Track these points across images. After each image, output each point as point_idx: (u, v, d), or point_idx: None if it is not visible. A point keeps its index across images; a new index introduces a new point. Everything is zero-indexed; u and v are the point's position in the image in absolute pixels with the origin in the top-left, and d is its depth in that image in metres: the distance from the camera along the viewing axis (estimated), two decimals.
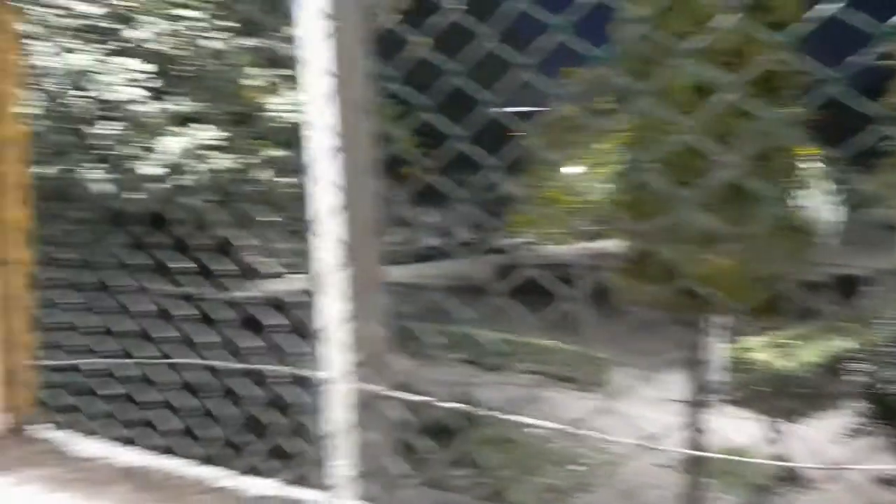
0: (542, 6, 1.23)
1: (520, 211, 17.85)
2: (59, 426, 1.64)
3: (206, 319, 1.53)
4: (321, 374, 1.64)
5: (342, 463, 1.61)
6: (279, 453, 1.42)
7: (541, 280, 1.32)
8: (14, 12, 1.45)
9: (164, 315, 1.54)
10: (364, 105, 1.95)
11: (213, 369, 1.47)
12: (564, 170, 18.17)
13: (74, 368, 1.63)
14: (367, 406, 1.59)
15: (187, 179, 2.45)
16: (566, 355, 16.70)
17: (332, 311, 1.71)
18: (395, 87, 1.46)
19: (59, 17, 2.23)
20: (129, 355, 1.52)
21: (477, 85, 1.31)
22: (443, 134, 1.36)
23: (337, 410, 1.67)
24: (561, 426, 1.30)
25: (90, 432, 1.61)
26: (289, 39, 2.62)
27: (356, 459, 1.59)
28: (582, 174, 17.68)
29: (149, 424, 1.55)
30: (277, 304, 1.58)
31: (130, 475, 1.48)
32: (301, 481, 1.45)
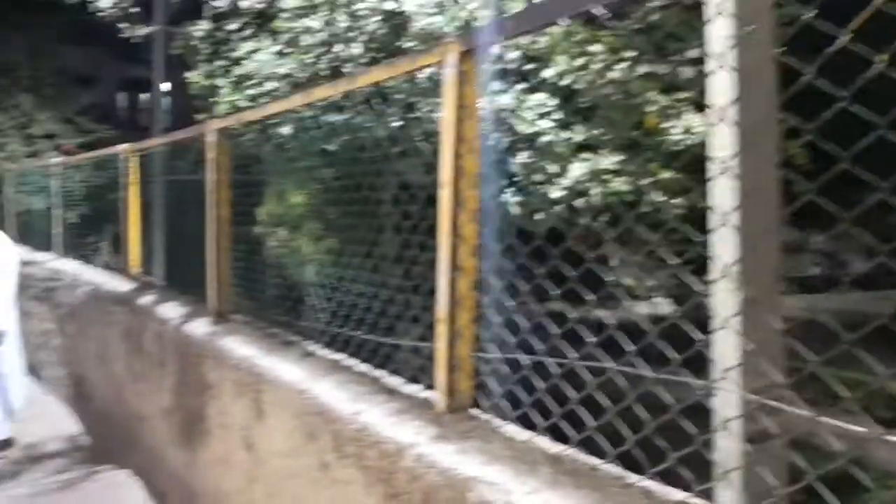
0: None
1: None
2: (494, 410, 1.94)
3: (621, 329, 1.66)
4: (718, 393, 1.65)
5: (733, 484, 1.59)
6: (692, 464, 1.47)
7: None
8: (475, 61, 1.79)
9: (584, 322, 1.72)
10: (767, 123, 1.90)
11: (626, 375, 1.59)
12: None
13: (509, 361, 1.91)
14: (761, 430, 1.55)
15: (585, 202, 2.66)
16: None
17: (730, 335, 1.71)
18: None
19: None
20: (556, 354, 1.74)
21: None
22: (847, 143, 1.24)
23: (730, 430, 1.66)
24: None
25: (519, 418, 1.86)
26: (692, 62, 2.68)
27: (746, 481, 1.56)
28: None
29: (568, 418, 1.74)
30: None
31: (554, 460, 1.68)
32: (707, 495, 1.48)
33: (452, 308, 1.94)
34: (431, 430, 1.96)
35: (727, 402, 1.59)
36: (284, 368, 2.75)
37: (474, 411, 1.99)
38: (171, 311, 4.05)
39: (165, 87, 10.65)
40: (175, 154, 4.96)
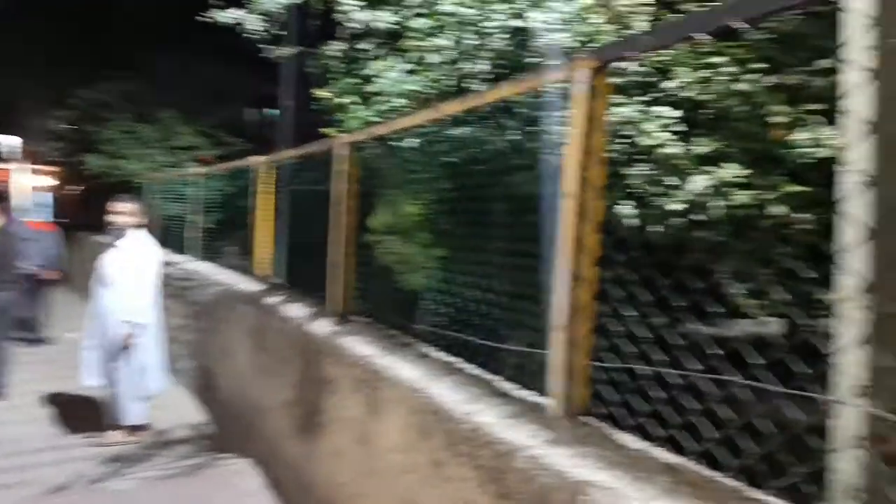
0: None
1: None
2: (608, 419, 1.96)
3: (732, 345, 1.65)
4: (844, 410, 1.60)
5: (842, 485, 1.53)
6: (811, 481, 1.45)
7: None
8: (604, 76, 1.84)
9: (691, 337, 1.72)
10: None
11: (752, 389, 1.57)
12: None
13: (625, 371, 1.93)
14: (871, 432, 1.49)
15: (705, 215, 2.62)
16: None
17: (847, 340, 1.65)
18: None
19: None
20: (675, 366, 1.75)
21: None
22: None
23: (857, 448, 1.60)
24: None
25: (634, 428, 1.88)
26: (820, 73, 2.59)
27: (857, 482, 1.50)
28: None
29: (685, 430, 1.74)
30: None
31: (671, 470, 1.69)
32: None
33: (571, 317, 1.98)
34: (545, 433, 2.01)
35: (855, 419, 1.55)
36: (401, 368, 2.86)
37: (588, 419, 2.02)
38: (296, 310, 4.29)
39: (289, 103, 11.36)
40: (303, 166, 5.27)
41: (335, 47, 4.37)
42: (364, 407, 3.14)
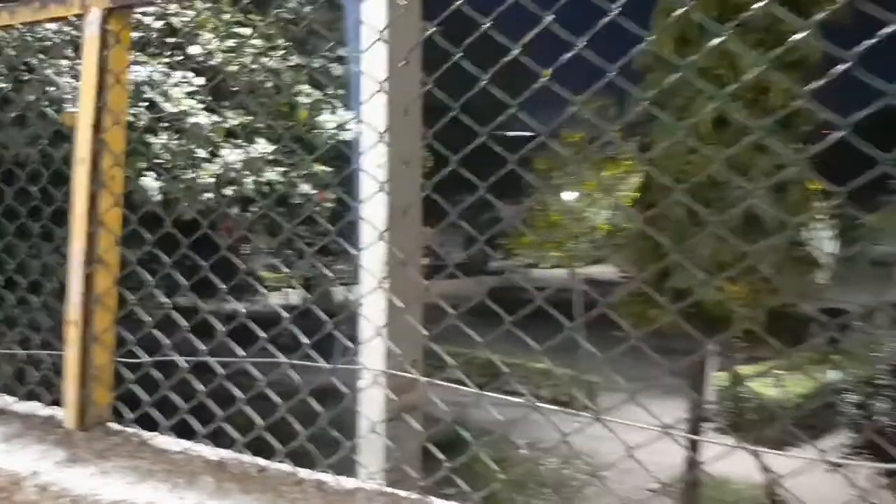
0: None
1: (518, 234, 18.08)
2: (141, 422, 1.71)
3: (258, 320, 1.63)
4: (363, 373, 1.74)
5: (373, 453, 1.71)
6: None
7: (535, 302, 1.42)
8: (127, 24, 1.55)
9: (236, 317, 1.63)
10: (412, 128, 2.06)
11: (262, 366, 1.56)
12: (566, 195, 18.46)
13: (155, 366, 1.71)
14: (397, 401, 1.69)
15: (236, 190, 2.54)
16: (558, 378, 16.77)
17: (373, 316, 1.82)
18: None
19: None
20: (212, 354, 1.61)
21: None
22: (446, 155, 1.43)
23: (371, 405, 1.77)
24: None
25: (169, 427, 1.68)
26: (341, 60, 2.74)
27: (385, 449, 1.69)
28: (585, 200, 17.98)
29: (228, 422, 1.63)
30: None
31: (217, 467, 1.55)
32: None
33: (88, 308, 1.66)
34: (59, 452, 1.66)
35: (371, 381, 1.68)
36: None
37: (115, 426, 1.74)
38: None
39: None
40: None
41: None
42: None
